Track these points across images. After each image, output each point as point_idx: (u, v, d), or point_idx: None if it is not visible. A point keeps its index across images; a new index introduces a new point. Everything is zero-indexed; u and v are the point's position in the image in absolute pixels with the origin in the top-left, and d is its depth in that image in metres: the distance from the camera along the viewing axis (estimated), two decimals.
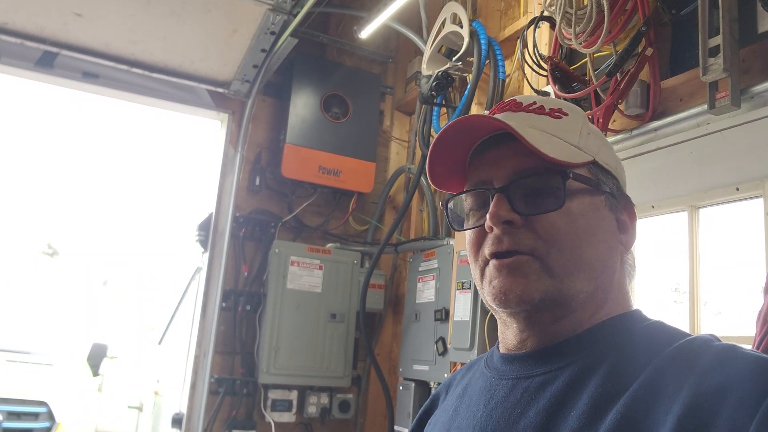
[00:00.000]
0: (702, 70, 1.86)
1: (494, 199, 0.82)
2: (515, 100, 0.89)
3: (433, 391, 1.09)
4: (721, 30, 1.82)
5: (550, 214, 0.81)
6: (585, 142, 0.86)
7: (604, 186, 0.86)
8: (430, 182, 0.94)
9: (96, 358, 8.42)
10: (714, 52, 1.84)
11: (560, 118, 0.86)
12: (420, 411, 1.06)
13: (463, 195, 0.90)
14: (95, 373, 8.20)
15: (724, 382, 0.65)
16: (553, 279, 0.80)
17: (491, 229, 0.82)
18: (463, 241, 3.00)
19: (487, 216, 0.81)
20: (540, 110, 0.87)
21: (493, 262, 0.82)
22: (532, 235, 0.81)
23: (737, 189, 1.82)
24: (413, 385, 3.25)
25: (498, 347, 0.94)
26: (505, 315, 0.85)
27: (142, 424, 8.43)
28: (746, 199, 1.80)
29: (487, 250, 0.83)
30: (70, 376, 7.55)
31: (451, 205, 0.94)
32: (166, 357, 8.15)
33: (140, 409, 8.55)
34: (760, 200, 1.76)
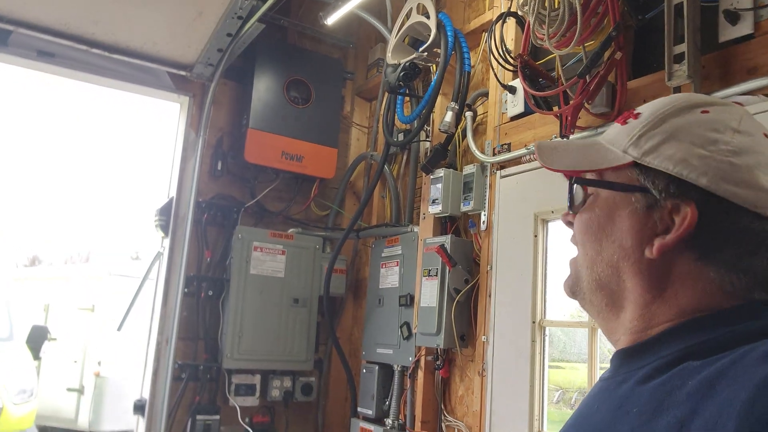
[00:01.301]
0: (667, 75, 1.97)
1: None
2: (633, 111, 0.91)
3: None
4: (685, 38, 1.93)
5: (576, 215, 0.92)
6: (638, 143, 0.85)
7: (641, 185, 0.84)
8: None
9: (36, 340, 8.18)
10: (679, 58, 1.96)
11: (625, 123, 0.89)
12: None
13: None
14: (36, 356, 7.97)
15: None
16: (578, 274, 0.91)
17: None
18: (428, 229, 3.07)
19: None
20: (622, 119, 0.91)
21: None
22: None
23: None
24: (377, 368, 3.33)
25: None
26: None
27: (83, 407, 8.27)
28: None
29: None
30: (9, 359, 7.31)
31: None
32: (108, 339, 7.99)
33: (81, 391, 8.38)
34: None
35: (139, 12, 2.99)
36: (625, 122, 0.88)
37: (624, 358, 0.84)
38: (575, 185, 0.91)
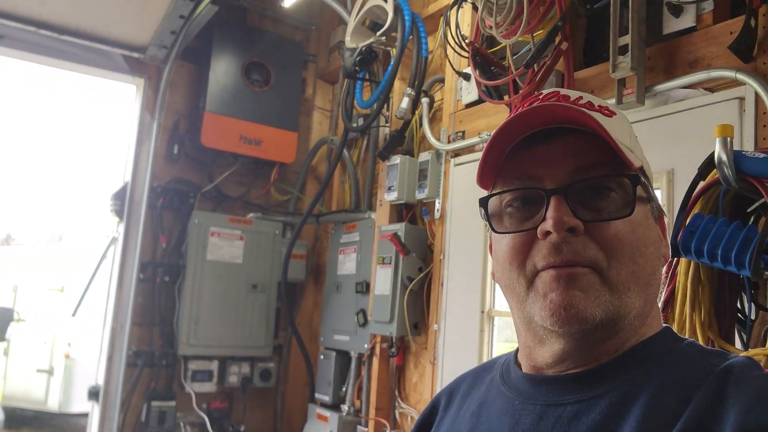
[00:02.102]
0: (612, 67, 1.96)
1: (553, 202, 0.73)
2: (559, 92, 0.81)
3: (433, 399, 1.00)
4: (630, 30, 1.92)
5: (615, 222, 0.73)
6: (634, 145, 0.79)
7: (651, 193, 0.79)
8: (478, 179, 0.83)
9: (2, 322, 8.07)
10: (623, 50, 1.94)
11: (611, 116, 0.78)
12: (418, 420, 0.98)
13: (500, 194, 0.80)
14: (2, 338, 7.87)
15: (766, 421, 0.62)
16: (612, 295, 0.72)
17: (546, 235, 0.73)
18: (384, 216, 3.05)
19: (548, 221, 0.72)
20: (590, 106, 0.78)
21: (549, 272, 0.73)
22: (593, 245, 0.72)
23: None
24: (334, 354, 3.33)
25: (515, 361, 0.86)
26: (551, 333, 0.75)
27: (53, 387, 8.21)
28: None
29: (541, 261, 0.73)
30: None
31: (487, 200, 0.82)
32: (78, 321, 7.91)
33: (50, 372, 8.30)
34: (658, 192, 1.90)
35: None
36: (605, 114, 0.78)
37: (569, 382, 0.76)
38: (636, 184, 0.75)
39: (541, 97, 0.81)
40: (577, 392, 0.74)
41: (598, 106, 0.79)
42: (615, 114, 0.79)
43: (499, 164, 0.81)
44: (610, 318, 0.72)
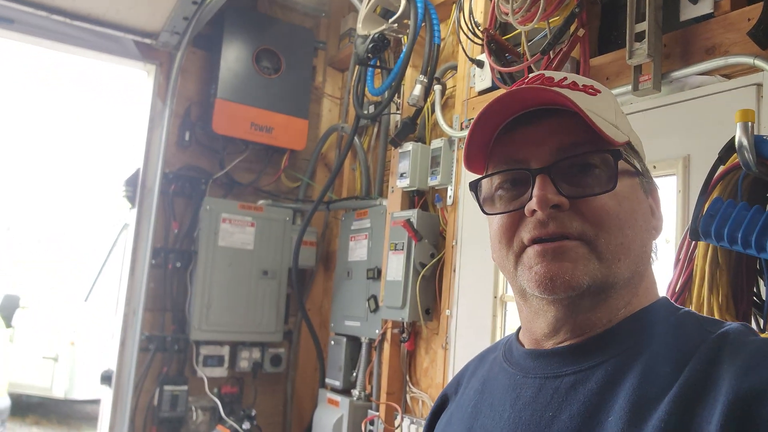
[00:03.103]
0: (628, 53, 1.97)
1: (538, 181, 0.76)
2: (544, 75, 0.85)
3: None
4: (647, 16, 1.93)
5: (598, 196, 0.76)
6: (620, 121, 0.82)
7: (639, 167, 0.83)
8: (464, 162, 0.87)
9: (8, 309, 8.13)
10: (640, 37, 1.95)
11: (595, 95, 0.82)
12: (429, 413, 1.02)
13: (489, 176, 0.84)
14: (8, 325, 7.92)
15: (762, 385, 0.63)
16: (601, 263, 0.76)
17: (532, 213, 0.77)
18: (396, 202, 3.07)
19: (533, 199, 0.76)
20: (574, 86, 0.82)
21: (534, 248, 0.77)
22: (579, 218, 0.76)
23: (654, 167, 1.97)
24: (344, 339, 3.36)
25: (517, 339, 0.89)
26: (542, 302, 0.79)
27: (59, 374, 8.26)
28: (662, 176, 1.96)
29: (527, 235, 0.78)
30: None
31: (481, 183, 0.86)
32: (84, 308, 7.95)
33: (56, 359, 8.36)
34: (674, 178, 1.92)
35: None
36: (588, 92, 0.82)
37: (566, 355, 0.79)
38: (620, 159, 0.79)
39: (526, 80, 0.85)
40: (574, 364, 0.77)
41: (582, 85, 0.82)
42: (599, 92, 0.83)
43: (488, 148, 0.85)
44: (597, 285, 0.76)
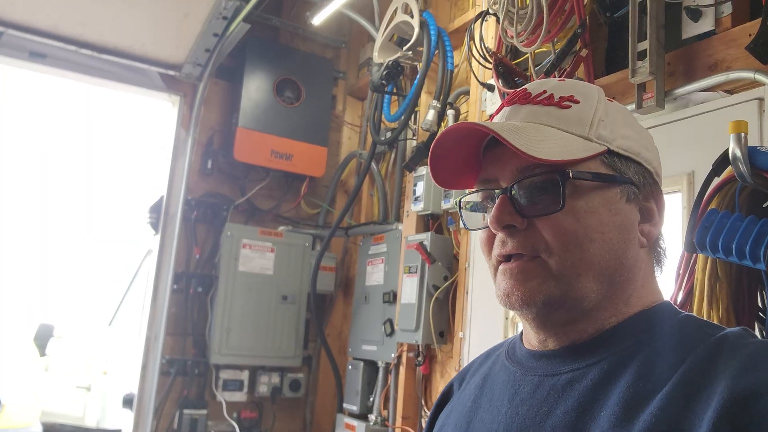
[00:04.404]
0: (631, 72, 1.98)
1: (497, 202, 0.79)
2: (526, 90, 0.86)
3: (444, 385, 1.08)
4: (648, 35, 1.94)
5: (553, 215, 0.77)
6: (597, 131, 0.81)
7: (622, 176, 0.81)
8: (436, 184, 0.92)
9: (42, 338, 8.28)
10: (642, 55, 1.96)
11: (569, 107, 0.82)
12: (434, 404, 1.05)
13: (467, 195, 0.89)
14: (42, 354, 8.07)
15: (758, 385, 0.63)
16: (557, 281, 0.77)
17: (497, 231, 0.81)
18: (411, 226, 3.10)
19: (489, 219, 0.80)
20: (548, 100, 0.83)
21: (501, 266, 0.81)
22: (536, 237, 0.78)
23: None
24: (362, 364, 3.36)
25: (521, 340, 0.91)
26: (518, 316, 0.84)
27: (91, 404, 8.37)
28: (667, 193, 1.94)
29: (494, 252, 0.82)
30: (15, 357, 7.42)
31: (461, 201, 0.90)
32: (114, 337, 8.09)
33: (88, 389, 8.46)
34: (679, 195, 1.91)
35: (125, 14, 3.04)
36: (563, 106, 0.82)
37: (566, 355, 0.81)
38: (570, 179, 0.78)
39: (514, 96, 0.88)
40: (572, 363, 0.79)
41: (559, 98, 0.83)
42: (578, 102, 0.83)
43: (461, 170, 0.89)
44: (556, 301, 0.77)
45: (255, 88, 3.74)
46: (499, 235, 0.81)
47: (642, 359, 0.74)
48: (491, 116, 0.85)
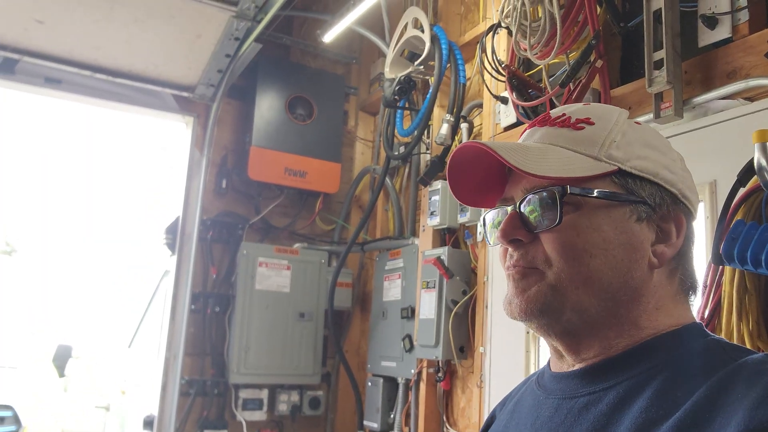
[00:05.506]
0: (648, 82, 1.97)
1: (506, 217, 0.84)
2: (548, 113, 0.90)
3: None
4: (664, 44, 1.93)
5: (555, 229, 0.80)
6: (608, 152, 0.82)
7: (632, 195, 0.81)
8: (462, 201, 0.96)
9: (61, 359, 8.31)
10: (658, 65, 1.95)
11: (582, 129, 0.84)
12: (481, 428, 1.08)
13: (488, 212, 0.94)
14: (61, 375, 8.11)
15: None
16: (554, 291, 0.79)
17: (504, 244, 0.86)
18: (427, 241, 3.08)
19: (497, 234, 0.86)
20: (564, 122, 0.86)
21: (506, 275, 0.86)
22: (537, 250, 0.82)
23: None
24: (381, 380, 3.34)
25: (548, 364, 0.93)
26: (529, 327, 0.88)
27: (110, 424, 8.39)
28: None
29: (505, 264, 0.87)
30: (35, 378, 7.47)
31: (485, 218, 0.94)
32: (132, 357, 8.11)
33: (107, 409, 8.49)
34: (702, 205, 1.89)
35: (138, 36, 3.07)
36: (577, 128, 0.85)
37: (584, 377, 0.82)
38: (569, 195, 0.81)
39: (540, 118, 0.91)
40: (590, 385, 0.80)
41: (575, 119, 0.86)
42: (593, 124, 0.85)
43: (485, 188, 0.93)
44: (551, 311, 0.80)
45: (267, 107, 3.76)
46: (509, 249, 0.85)
47: (658, 384, 0.73)
48: (451, 159, 0.92)
